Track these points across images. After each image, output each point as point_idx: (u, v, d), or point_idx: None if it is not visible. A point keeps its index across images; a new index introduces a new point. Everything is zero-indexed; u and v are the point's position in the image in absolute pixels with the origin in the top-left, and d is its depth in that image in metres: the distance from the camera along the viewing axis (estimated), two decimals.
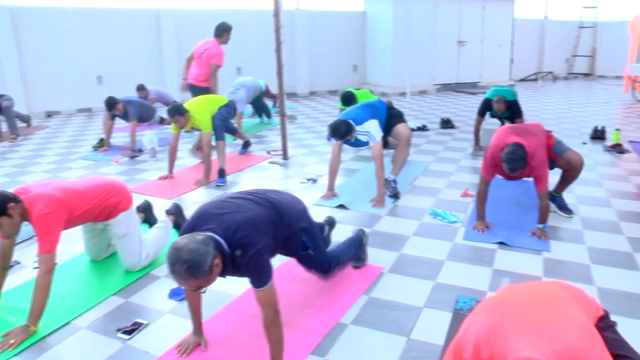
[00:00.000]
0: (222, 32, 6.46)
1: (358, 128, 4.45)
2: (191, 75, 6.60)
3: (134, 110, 6.63)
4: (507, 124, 4.28)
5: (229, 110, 5.57)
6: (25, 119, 8.52)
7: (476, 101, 10.45)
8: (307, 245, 2.71)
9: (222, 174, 5.20)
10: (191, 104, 5.34)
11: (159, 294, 3.06)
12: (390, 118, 4.82)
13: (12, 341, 2.53)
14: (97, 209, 3.05)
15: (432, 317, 2.73)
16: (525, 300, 1.63)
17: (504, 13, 12.84)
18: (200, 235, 2.10)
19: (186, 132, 6.08)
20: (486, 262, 3.35)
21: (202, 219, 2.30)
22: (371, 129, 4.45)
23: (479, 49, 12.73)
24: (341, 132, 4.38)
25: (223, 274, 2.24)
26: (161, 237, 3.51)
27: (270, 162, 5.98)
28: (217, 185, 5.12)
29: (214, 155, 5.39)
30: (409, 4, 10.95)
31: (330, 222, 3.48)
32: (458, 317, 2.69)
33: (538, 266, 3.28)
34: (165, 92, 9.22)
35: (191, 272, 2.00)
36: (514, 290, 1.78)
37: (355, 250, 3.21)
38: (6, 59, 9.27)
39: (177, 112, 5.05)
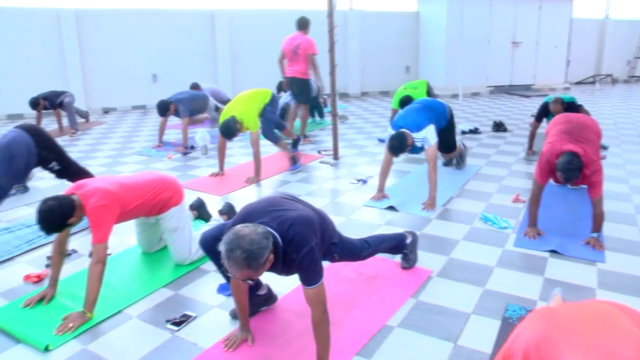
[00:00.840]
0: (306, 24, 6.90)
1: (415, 135, 4.36)
2: (292, 70, 6.86)
3: (184, 107, 6.78)
4: (562, 115, 4.09)
5: (272, 106, 5.65)
6: (84, 115, 8.88)
7: (530, 104, 10.22)
8: (334, 252, 2.73)
9: (295, 160, 5.68)
10: (237, 105, 5.36)
11: (207, 288, 3.13)
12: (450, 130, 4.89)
13: (70, 325, 2.68)
14: (149, 203, 3.16)
15: (480, 324, 2.68)
16: (578, 313, 1.58)
17: (561, 13, 12.48)
18: (261, 228, 2.10)
19: None
20: (537, 270, 3.26)
21: (254, 213, 2.31)
22: (427, 134, 4.38)
23: (534, 50, 12.43)
24: (397, 148, 4.29)
25: (273, 269, 2.26)
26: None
27: (321, 162, 6.01)
28: (292, 172, 5.57)
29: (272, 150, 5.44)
30: (464, 3, 10.77)
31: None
32: (507, 325, 2.63)
33: (592, 277, 3.17)
34: (219, 89, 9.35)
35: (247, 262, 2.00)
36: (567, 304, 1.72)
37: (396, 244, 3.22)
38: (70, 58, 9.72)
39: (231, 132, 5.09)
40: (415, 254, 3.33)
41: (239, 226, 2.10)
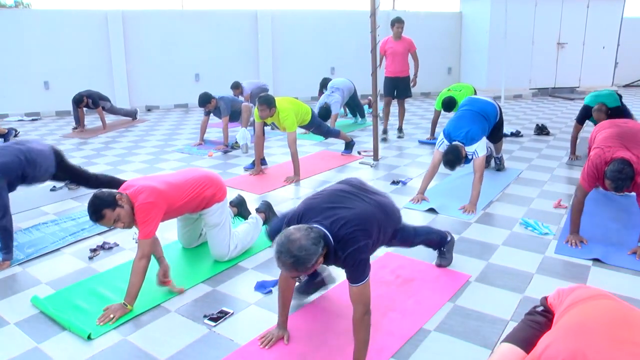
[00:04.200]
0: (391, 25, 7.28)
1: (467, 149, 4.31)
2: None
3: (225, 106, 6.86)
4: (608, 121, 3.95)
5: (315, 121, 5.90)
6: (132, 114, 9.14)
7: (574, 107, 9.96)
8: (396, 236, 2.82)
9: (348, 146, 6.37)
10: (278, 101, 5.42)
11: (245, 286, 3.16)
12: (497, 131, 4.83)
13: (111, 315, 2.77)
14: (195, 200, 3.23)
15: None
16: (609, 324, 1.53)
17: (611, 12, 12.01)
18: (313, 233, 2.14)
19: (267, 126, 6.21)
20: (579, 279, 3.17)
21: (311, 211, 2.36)
22: (478, 147, 4.32)
23: (579, 51, 12.07)
24: (453, 162, 4.22)
25: (325, 263, 2.32)
26: (251, 232, 3.63)
27: (361, 163, 6.00)
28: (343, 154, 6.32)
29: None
30: (508, 3, 10.54)
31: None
32: None
33: (637, 289, 3.05)
34: (262, 83, 9.20)
35: (296, 266, 2.08)
36: (595, 311, 1.65)
37: (439, 239, 3.29)
38: (115, 58, 10.01)
39: (266, 102, 5.14)
40: (452, 254, 3.37)
41: (292, 228, 2.15)
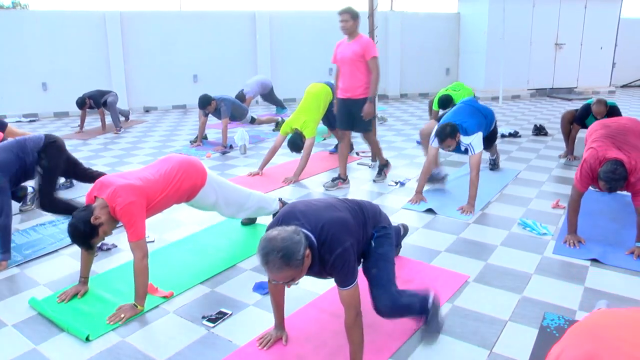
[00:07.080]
0: None
1: (462, 139, 4.31)
2: None
3: (226, 107, 6.86)
4: (598, 122, 3.95)
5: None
6: (125, 114, 9.11)
7: (572, 108, 9.93)
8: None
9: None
10: (300, 115, 5.52)
11: (244, 286, 3.16)
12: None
13: (122, 315, 2.78)
14: (175, 194, 3.19)
15: (517, 332, 2.63)
16: (626, 329, 1.52)
17: (609, 13, 12.09)
18: (290, 227, 2.11)
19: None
20: (577, 279, 3.18)
21: (290, 216, 2.30)
22: (474, 141, 4.32)
23: (577, 51, 12.12)
24: (448, 134, 4.21)
25: (310, 271, 2.24)
26: (264, 206, 3.85)
27: (359, 164, 6.00)
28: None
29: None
30: (506, 4, 10.58)
31: (404, 228, 3.57)
32: (544, 334, 2.58)
33: (635, 289, 3.06)
34: (264, 79, 9.38)
35: (286, 261, 1.99)
36: (611, 316, 1.65)
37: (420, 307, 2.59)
38: (113, 59, 10.00)
39: (298, 148, 5.37)
40: (437, 322, 2.60)
41: (267, 231, 2.11)
